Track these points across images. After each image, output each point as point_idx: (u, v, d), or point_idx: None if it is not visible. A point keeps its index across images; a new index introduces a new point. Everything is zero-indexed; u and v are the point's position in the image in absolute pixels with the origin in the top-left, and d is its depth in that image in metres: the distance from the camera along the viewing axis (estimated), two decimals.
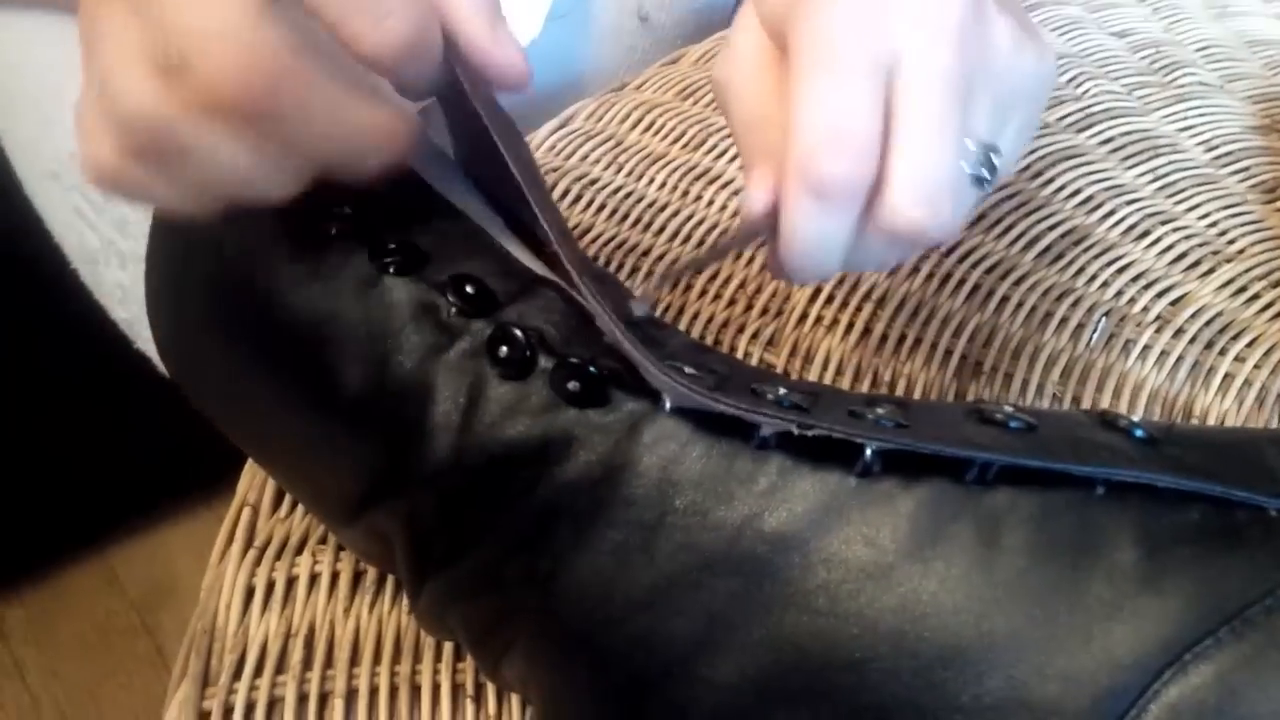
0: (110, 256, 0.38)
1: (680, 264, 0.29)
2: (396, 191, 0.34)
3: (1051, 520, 0.24)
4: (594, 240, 0.52)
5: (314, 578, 0.39)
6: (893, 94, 0.29)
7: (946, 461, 0.25)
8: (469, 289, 0.31)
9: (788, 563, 0.25)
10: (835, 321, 0.49)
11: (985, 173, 0.30)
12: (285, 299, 0.33)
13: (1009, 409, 0.26)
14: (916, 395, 0.46)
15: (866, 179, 0.28)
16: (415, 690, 0.36)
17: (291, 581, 0.39)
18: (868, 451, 0.25)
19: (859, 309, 0.50)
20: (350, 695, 0.36)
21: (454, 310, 0.31)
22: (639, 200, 0.55)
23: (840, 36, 0.29)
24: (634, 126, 0.59)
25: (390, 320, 0.31)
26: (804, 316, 0.49)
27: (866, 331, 0.49)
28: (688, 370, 0.28)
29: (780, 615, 0.24)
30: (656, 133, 0.59)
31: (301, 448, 0.34)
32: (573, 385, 0.29)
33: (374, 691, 0.36)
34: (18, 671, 0.98)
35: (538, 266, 0.34)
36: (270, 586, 0.39)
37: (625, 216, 0.54)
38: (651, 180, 0.56)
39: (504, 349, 0.30)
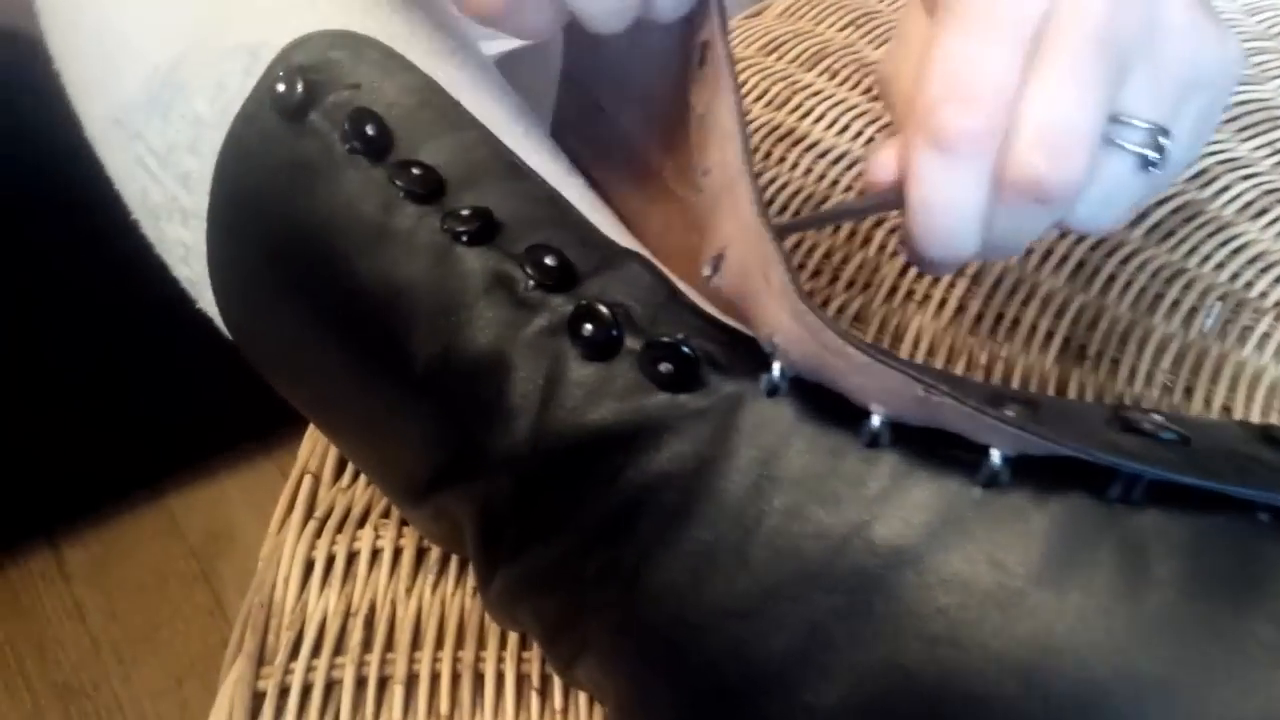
0: (173, 212, 0.36)
1: (795, 220, 0.27)
2: (469, 149, 0.32)
3: (1208, 550, 0.21)
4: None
5: (376, 553, 0.37)
6: (1036, 51, 0.26)
7: (1086, 473, 0.22)
8: (548, 261, 0.29)
9: (901, 580, 0.22)
10: (927, 297, 0.46)
11: (1151, 153, 0.27)
12: (352, 263, 0.31)
13: (1158, 417, 0.23)
14: (1015, 382, 0.43)
15: (994, 131, 0.26)
16: (479, 679, 0.34)
17: (352, 557, 0.37)
18: (994, 457, 0.22)
19: (952, 284, 0.47)
20: (410, 681, 0.34)
21: (532, 284, 0.28)
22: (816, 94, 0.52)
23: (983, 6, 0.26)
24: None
25: (464, 292, 0.29)
26: (893, 290, 0.47)
27: (961, 309, 0.46)
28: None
29: (892, 639, 0.22)
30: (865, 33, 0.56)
31: (368, 422, 0.32)
32: (664, 367, 0.26)
33: (435, 678, 0.34)
34: (78, 613, 0.99)
35: (621, 236, 0.31)
36: (330, 561, 0.37)
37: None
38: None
39: (587, 327, 0.27)
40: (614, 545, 0.26)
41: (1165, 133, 0.27)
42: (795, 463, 0.24)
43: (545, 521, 0.28)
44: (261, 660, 0.35)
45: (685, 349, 0.26)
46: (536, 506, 0.28)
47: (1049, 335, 0.45)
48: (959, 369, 0.44)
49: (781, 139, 0.53)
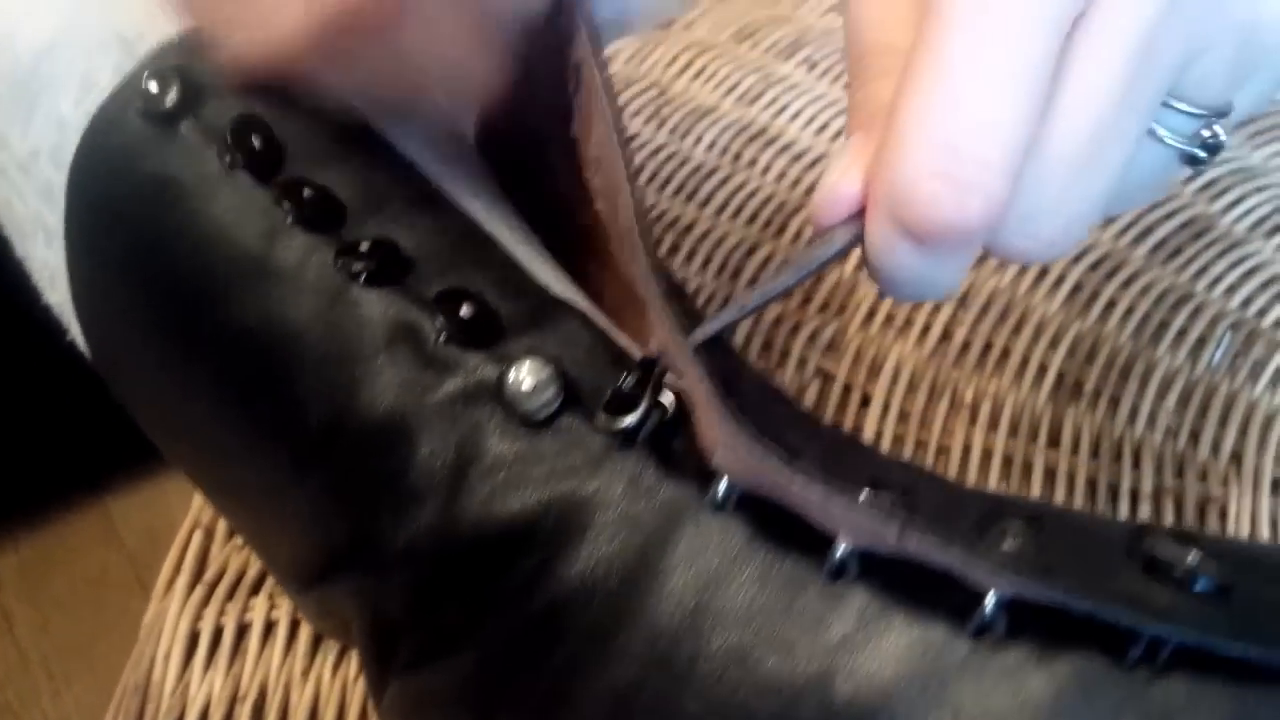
0: (38, 230, 0.31)
1: (749, 298, 0.22)
2: (373, 171, 0.27)
3: None
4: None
5: (270, 625, 0.33)
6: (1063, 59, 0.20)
7: (1101, 626, 0.17)
8: (464, 310, 0.24)
9: None
10: (909, 323, 0.42)
11: (1200, 153, 0.22)
12: (229, 299, 0.26)
13: (1192, 559, 0.18)
14: (1004, 422, 0.38)
15: (994, 217, 0.20)
16: None
17: (243, 630, 0.33)
18: (988, 602, 0.17)
19: (937, 308, 0.42)
20: None
21: (444, 337, 0.23)
22: (683, 163, 0.47)
23: None
24: (681, 73, 0.51)
25: (360, 343, 0.24)
26: (871, 315, 0.42)
27: (946, 337, 0.41)
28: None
29: None
30: (707, 81, 0.51)
31: (251, 489, 0.28)
32: (601, 443, 0.22)
33: None
34: (7, 625, 0.94)
35: (562, 287, 0.26)
36: (218, 634, 0.32)
37: (666, 182, 0.46)
38: (699, 139, 0.48)
39: (511, 392, 0.22)
40: (526, 670, 0.22)
41: (1222, 115, 0.22)
42: (742, 596, 0.20)
43: (446, 635, 0.23)
44: None
45: (630, 422, 0.22)
46: (436, 615, 0.23)
47: (1042, 369, 0.40)
48: (942, 406, 0.39)
49: (754, 139, 0.48)
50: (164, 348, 0.28)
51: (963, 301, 0.42)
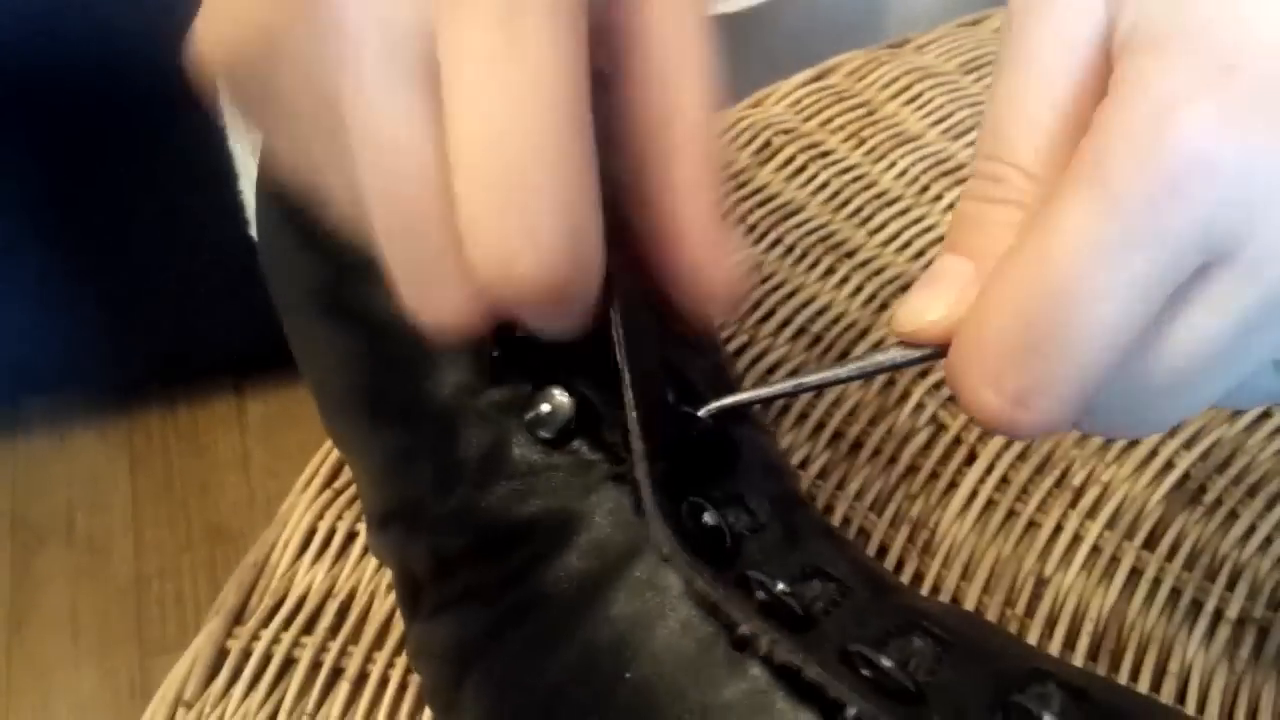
0: (244, 176, 0.37)
1: (800, 379, 0.22)
2: None
3: None
4: (798, 225, 0.46)
5: None
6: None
7: None
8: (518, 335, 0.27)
9: None
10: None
11: None
12: (356, 285, 0.30)
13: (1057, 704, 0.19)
14: (1107, 509, 0.38)
15: (1084, 402, 0.20)
16: (422, 697, 0.34)
17: (351, 536, 0.37)
18: (850, 714, 0.19)
19: None
20: (359, 679, 0.34)
21: (495, 354, 0.27)
22: (868, 187, 0.48)
23: (1155, 157, 0.18)
24: (895, 96, 0.52)
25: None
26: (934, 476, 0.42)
27: None
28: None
29: None
30: (920, 108, 0.51)
31: (344, 437, 0.32)
32: (602, 471, 0.25)
33: (383, 683, 0.34)
34: (244, 463, 1.06)
35: None
36: (330, 535, 0.37)
37: (845, 204, 0.48)
38: (892, 165, 0.49)
39: (536, 412, 0.26)
40: (497, 646, 0.25)
41: None
42: (661, 637, 0.22)
43: (451, 599, 0.27)
44: (239, 619, 0.36)
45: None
46: (448, 580, 0.27)
47: (1168, 466, 0.39)
48: (1047, 483, 0.39)
49: (946, 174, 0.48)
50: (305, 303, 0.33)
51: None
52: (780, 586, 0.21)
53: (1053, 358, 0.19)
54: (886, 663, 0.19)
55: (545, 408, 0.25)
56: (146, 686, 0.96)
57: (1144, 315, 0.19)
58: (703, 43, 0.22)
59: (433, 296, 0.22)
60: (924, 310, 0.22)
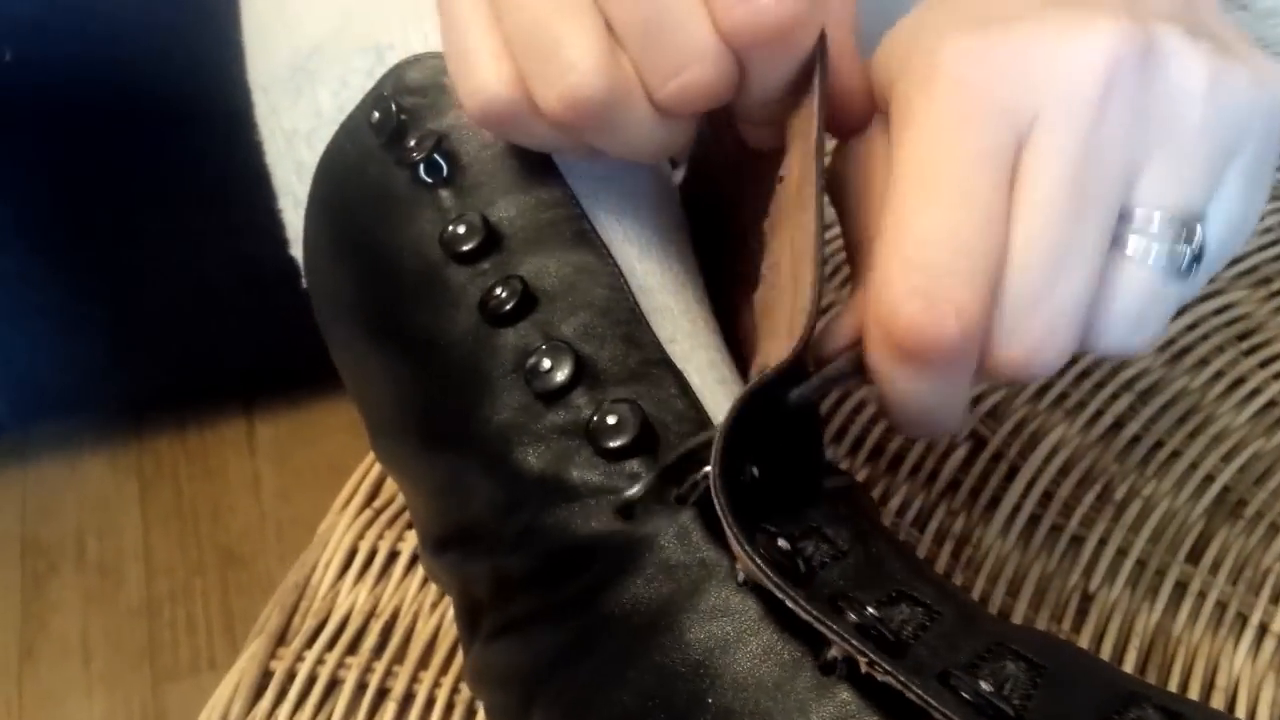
0: (286, 194, 0.36)
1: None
2: (540, 213, 0.29)
3: None
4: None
5: (415, 558, 0.37)
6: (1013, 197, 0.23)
7: None
8: (579, 352, 0.27)
9: None
10: (1081, 405, 0.41)
11: (1185, 256, 0.23)
12: (406, 299, 0.30)
13: None
14: (1150, 523, 0.38)
15: (975, 334, 0.23)
16: (471, 715, 0.34)
17: (393, 556, 0.37)
18: None
19: (1115, 395, 0.41)
20: (406, 700, 0.34)
21: (555, 375, 0.26)
22: None
23: (946, 134, 0.23)
24: None
25: (492, 365, 0.28)
26: (1043, 390, 0.42)
27: (1117, 426, 0.41)
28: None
29: None
30: None
31: (396, 457, 0.32)
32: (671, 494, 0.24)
33: (430, 704, 0.34)
34: (255, 486, 1.06)
35: (687, 338, 0.28)
36: (372, 555, 0.37)
37: None
38: None
39: (598, 431, 0.25)
40: (563, 672, 0.25)
41: (1198, 220, 0.24)
42: (743, 665, 0.22)
43: (513, 622, 0.26)
44: (282, 640, 0.35)
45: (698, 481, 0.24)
46: (509, 603, 0.27)
47: (1208, 479, 0.39)
48: (1089, 496, 0.39)
49: None
50: (353, 325, 0.32)
51: (1144, 396, 0.42)
52: (870, 610, 0.21)
53: (939, 252, 0.23)
54: (986, 687, 0.19)
55: (609, 426, 0.25)
56: (159, 712, 0.95)
57: (1002, 184, 0.23)
58: None
59: (682, 49, 0.24)
60: (836, 316, 0.26)
